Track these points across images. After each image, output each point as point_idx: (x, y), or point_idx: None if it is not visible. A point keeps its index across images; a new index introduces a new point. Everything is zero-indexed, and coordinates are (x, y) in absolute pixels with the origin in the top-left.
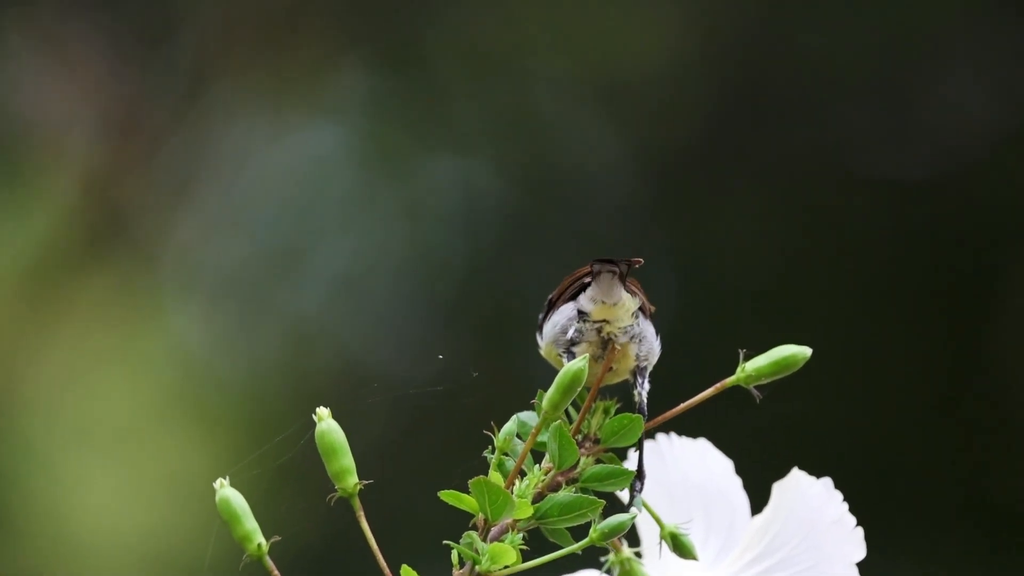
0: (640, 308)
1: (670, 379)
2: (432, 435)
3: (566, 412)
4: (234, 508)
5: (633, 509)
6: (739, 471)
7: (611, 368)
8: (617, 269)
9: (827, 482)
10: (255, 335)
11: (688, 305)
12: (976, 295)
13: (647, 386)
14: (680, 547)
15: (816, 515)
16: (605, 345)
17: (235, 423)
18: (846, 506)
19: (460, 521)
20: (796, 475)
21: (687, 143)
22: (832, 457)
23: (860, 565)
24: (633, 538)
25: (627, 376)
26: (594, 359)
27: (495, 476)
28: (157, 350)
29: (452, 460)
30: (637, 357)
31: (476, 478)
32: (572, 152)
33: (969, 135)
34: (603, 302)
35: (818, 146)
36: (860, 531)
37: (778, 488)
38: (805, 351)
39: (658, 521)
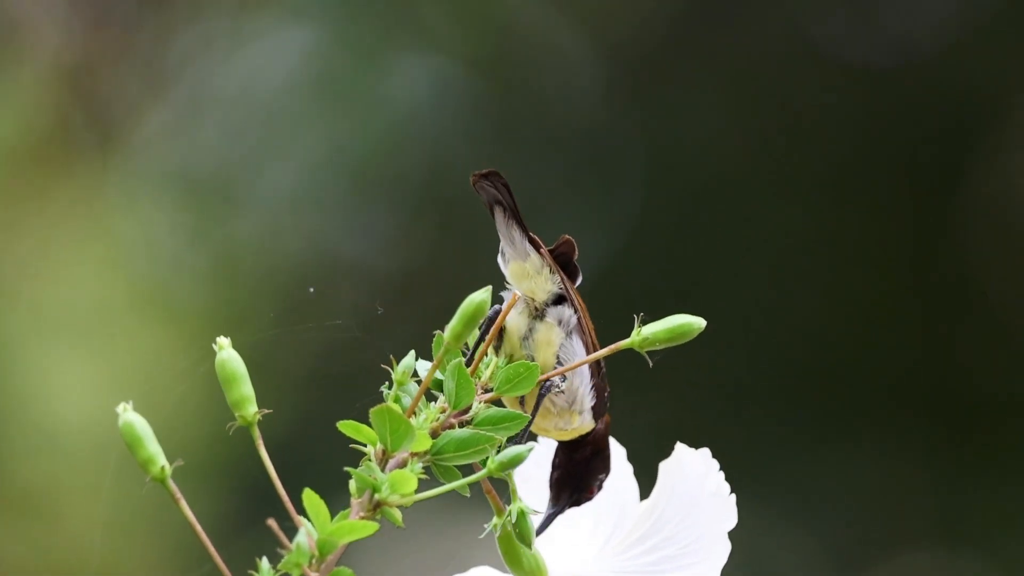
0: (573, 307)
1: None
2: (342, 368)
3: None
4: (136, 432)
5: (530, 442)
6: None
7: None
8: (502, 197)
9: (705, 453)
10: (224, 226)
11: (655, 197)
12: (942, 183)
13: (562, 386)
14: (521, 527)
15: (696, 489)
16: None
17: (203, 313)
18: (722, 475)
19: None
20: (679, 451)
21: (654, 33)
22: (797, 347)
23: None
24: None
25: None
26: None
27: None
28: (126, 241)
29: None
30: (558, 359)
31: (377, 406)
32: (540, 48)
33: (936, 23)
34: (513, 259)
35: (785, 34)
36: (733, 498)
37: (663, 467)
38: (700, 322)
39: (513, 494)
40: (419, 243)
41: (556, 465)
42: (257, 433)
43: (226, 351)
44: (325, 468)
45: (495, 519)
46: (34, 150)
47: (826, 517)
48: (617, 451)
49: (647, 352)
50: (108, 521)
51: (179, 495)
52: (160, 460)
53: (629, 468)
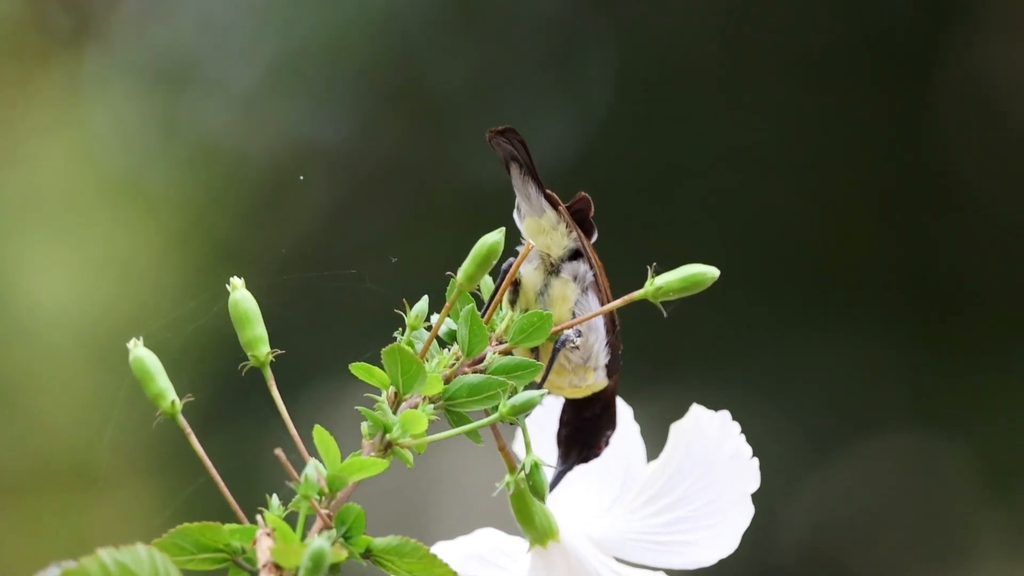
0: (589, 264)
1: (612, 163)
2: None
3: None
4: (147, 367)
5: (544, 389)
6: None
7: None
8: (518, 154)
9: (725, 416)
10: (197, 115)
11: (626, 86)
12: (917, 66)
13: (577, 341)
14: (535, 479)
15: (713, 451)
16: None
17: (177, 201)
18: (743, 438)
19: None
20: (695, 411)
21: None
22: (773, 236)
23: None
24: None
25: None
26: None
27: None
28: (101, 129)
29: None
30: (573, 315)
31: (389, 346)
32: None
33: None
34: (528, 215)
35: None
36: (755, 462)
37: (676, 428)
38: (713, 271)
39: (528, 446)
40: (390, 130)
41: (564, 423)
42: (269, 373)
43: (239, 291)
44: (334, 415)
45: (508, 477)
46: (9, 39)
47: (804, 401)
48: (623, 410)
49: (661, 303)
50: (84, 412)
51: (189, 430)
52: (170, 395)
53: (636, 428)
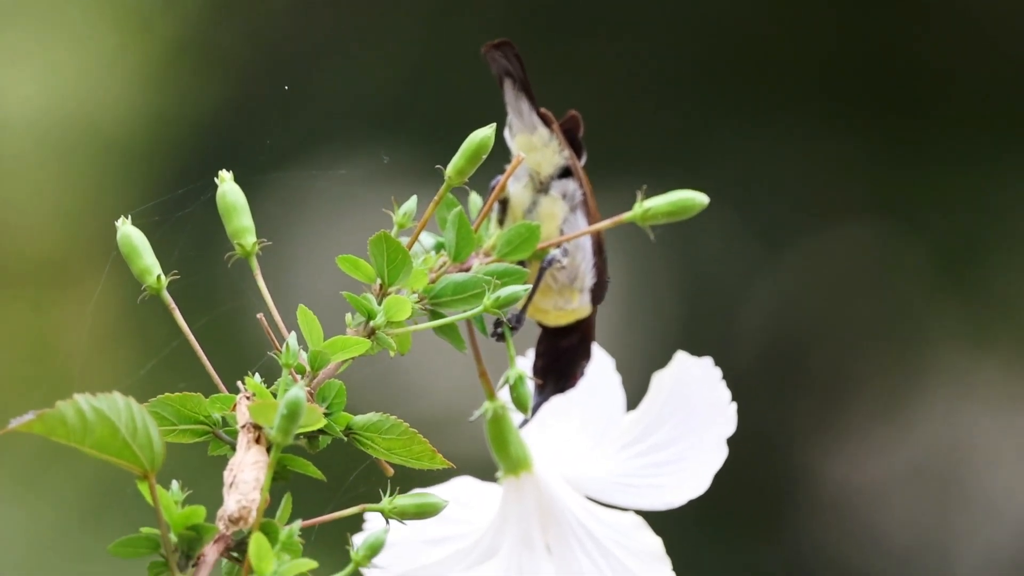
0: (578, 183)
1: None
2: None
3: None
4: (134, 243)
5: (528, 286)
6: None
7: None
8: (513, 69)
9: (707, 362)
10: None
11: None
12: None
13: (563, 260)
14: (518, 391)
15: (695, 396)
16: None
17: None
18: (723, 384)
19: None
20: (678, 358)
21: None
22: (729, 30)
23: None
24: None
25: (549, 248)
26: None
27: None
28: None
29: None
30: (561, 233)
31: (376, 234)
32: None
33: None
34: (520, 132)
35: None
36: (733, 406)
37: (658, 375)
38: (702, 198)
39: (511, 359)
40: None
41: (539, 353)
42: (255, 264)
43: (227, 184)
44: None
45: (486, 403)
46: None
47: (762, 196)
48: (605, 360)
49: (649, 226)
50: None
51: (173, 305)
52: (156, 270)
53: (617, 378)
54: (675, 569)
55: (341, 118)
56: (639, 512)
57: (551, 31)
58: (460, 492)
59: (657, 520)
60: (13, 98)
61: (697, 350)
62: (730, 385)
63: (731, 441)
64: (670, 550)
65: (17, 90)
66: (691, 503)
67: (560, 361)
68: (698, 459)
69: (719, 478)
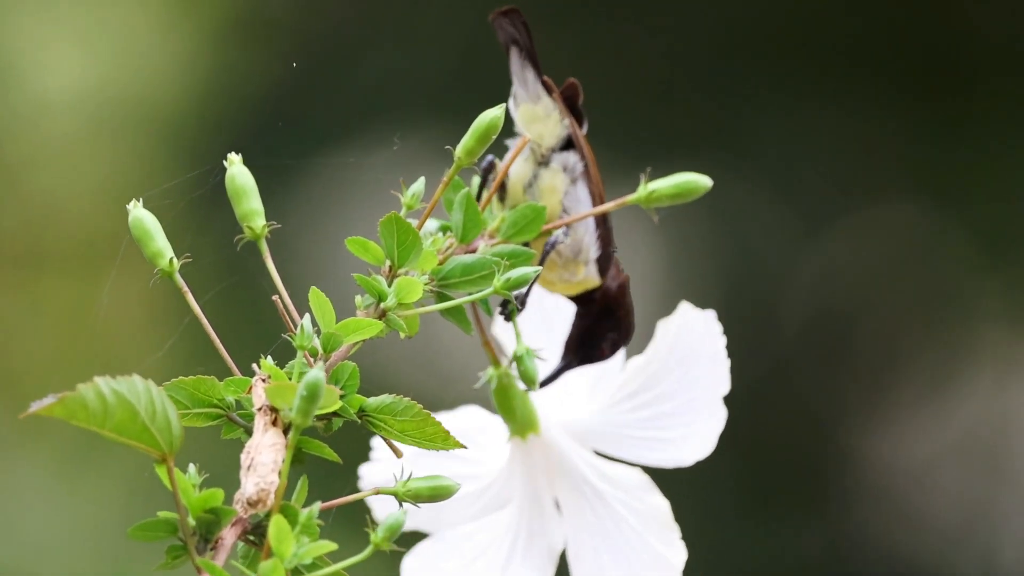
0: (580, 154)
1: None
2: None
3: None
4: (146, 226)
5: (537, 267)
6: None
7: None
8: (520, 37)
9: (710, 315)
10: None
11: None
12: None
13: (566, 240)
14: (524, 366)
15: (697, 349)
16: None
17: None
18: (723, 340)
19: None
20: (683, 308)
21: None
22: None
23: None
24: None
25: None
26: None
27: None
28: None
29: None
30: (563, 206)
31: (386, 216)
32: None
33: None
34: (524, 101)
35: None
36: (727, 364)
37: (662, 324)
38: (706, 180)
39: (518, 335)
40: None
41: (571, 325)
42: (264, 246)
43: (236, 166)
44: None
45: (490, 370)
46: None
47: (805, 175)
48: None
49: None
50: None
51: (186, 288)
52: (168, 253)
53: None
54: (717, 548)
55: (394, 95)
56: (645, 469)
57: (589, 10)
58: (466, 423)
59: (698, 498)
60: (61, 76)
61: (741, 330)
62: (774, 365)
63: (776, 419)
64: (711, 529)
65: (65, 68)
66: (733, 481)
67: (582, 331)
68: (699, 415)
69: (762, 456)
